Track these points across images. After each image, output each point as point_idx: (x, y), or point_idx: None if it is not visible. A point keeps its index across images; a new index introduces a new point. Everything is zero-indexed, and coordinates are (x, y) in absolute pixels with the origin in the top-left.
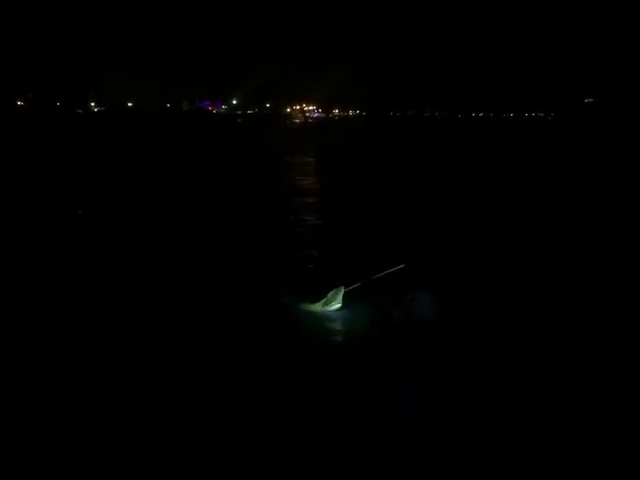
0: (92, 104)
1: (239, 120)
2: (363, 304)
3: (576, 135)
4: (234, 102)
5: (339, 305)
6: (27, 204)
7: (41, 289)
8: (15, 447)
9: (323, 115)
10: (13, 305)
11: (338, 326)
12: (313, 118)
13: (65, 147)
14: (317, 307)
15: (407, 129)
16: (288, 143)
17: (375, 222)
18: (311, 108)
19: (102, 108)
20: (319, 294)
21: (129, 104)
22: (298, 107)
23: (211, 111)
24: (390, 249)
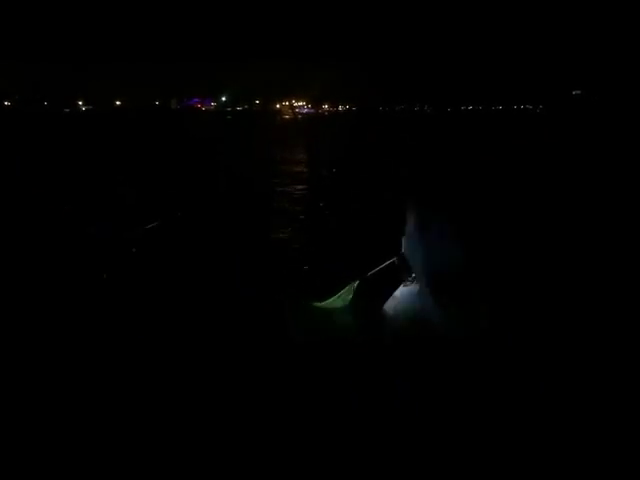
0: (80, 103)
1: (228, 117)
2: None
3: (570, 127)
4: (223, 99)
5: (349, 299)
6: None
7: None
8: (15, 447)
9: (313, 111)
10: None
11: (350, 321)
12: (303, 114)
13: (51, 146)
14: (329, 303)
15: (404, 124)
16: (278, 138)
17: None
18: (300, 104)
19: (90, 107)
20: (329, 289)
21: (117, 102)
22: (287, 103)
23: (200, 108)
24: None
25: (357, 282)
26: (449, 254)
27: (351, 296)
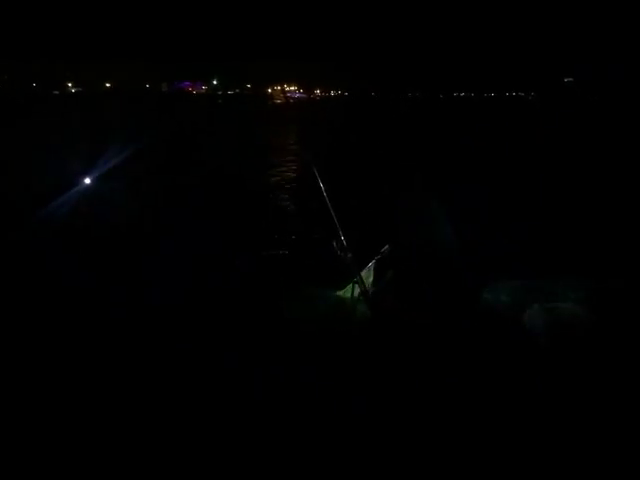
0: (69, 85)
1: (219, 101)
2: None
3: (562, 113)
4: (214, 82)
5: (356, 289)
6: None
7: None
8: (15, 447)
9: (305, 95)
10: None
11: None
12: (294, 98)
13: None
14: (343, 293)
15: (398, 110)
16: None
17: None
18: (292, 88)
19: (79, 89)
20: (344, 279)
21: (107, 85)
22: (279, 87)
23: (191, 92)
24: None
25: (362, 272)
26: (442, 238)
27: (357, 286)
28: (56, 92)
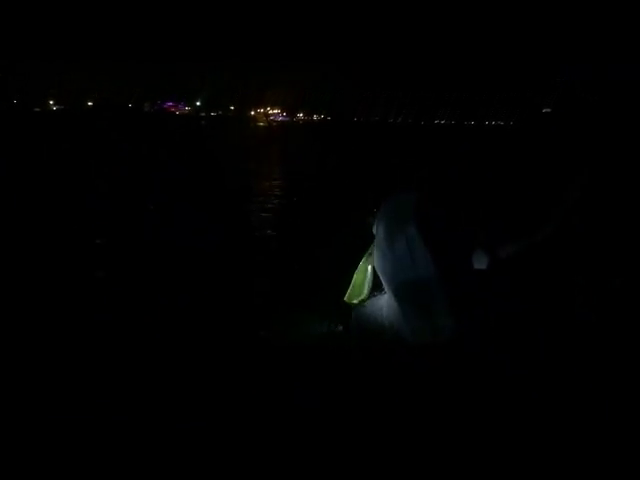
0: (51, 102)
1: (203, 122)
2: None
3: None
4: (197, 103)
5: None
6: None
7: None
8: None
9: (287, 119)
10: None
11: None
12: (277, 122)
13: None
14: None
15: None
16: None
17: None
18: (275, 112)
19: (61, 107)
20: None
21: (89, 103)
22: (262, 110)
23: (174, 112)
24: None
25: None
26: (417, 265)
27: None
28: (37, 109)
